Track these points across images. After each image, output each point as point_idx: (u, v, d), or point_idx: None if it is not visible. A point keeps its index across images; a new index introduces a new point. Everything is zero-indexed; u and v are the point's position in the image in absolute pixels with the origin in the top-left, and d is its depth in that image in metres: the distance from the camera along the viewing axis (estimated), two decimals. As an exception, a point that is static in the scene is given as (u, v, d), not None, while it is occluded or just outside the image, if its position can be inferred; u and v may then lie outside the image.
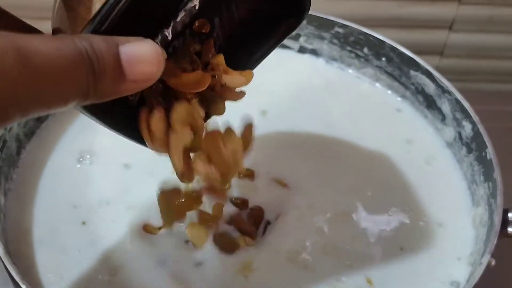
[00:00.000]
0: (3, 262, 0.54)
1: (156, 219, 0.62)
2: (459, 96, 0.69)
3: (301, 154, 0.70)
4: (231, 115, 0.72)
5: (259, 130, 0.72)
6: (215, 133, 0.48)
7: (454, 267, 0.61)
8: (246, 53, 0.52)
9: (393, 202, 0.66)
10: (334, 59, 0.81)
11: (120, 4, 0.39)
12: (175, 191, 0.56)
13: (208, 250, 0.60)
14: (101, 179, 0.66)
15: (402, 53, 0.75)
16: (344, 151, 0.71)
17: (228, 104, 0.74)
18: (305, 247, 0.61)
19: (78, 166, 0.68)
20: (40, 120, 0.71)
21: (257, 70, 0.79)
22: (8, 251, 0.57)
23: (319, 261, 0.60)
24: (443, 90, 0.71)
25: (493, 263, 0.56)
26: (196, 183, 0.56)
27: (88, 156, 0.68)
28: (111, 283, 0.58)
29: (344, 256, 0.61)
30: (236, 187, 0.65)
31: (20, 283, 0.51)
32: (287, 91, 0.78)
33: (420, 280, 0.60)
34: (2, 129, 0.63)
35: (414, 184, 0.68)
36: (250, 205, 0.63)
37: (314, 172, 0.68)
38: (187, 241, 0.60)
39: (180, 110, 0.44)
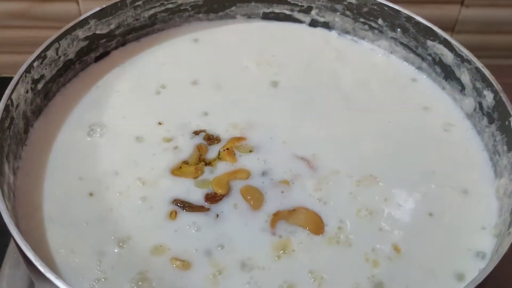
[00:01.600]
0: (14, 241, 0.52)
1: (164, 190, 0.62)
2: (479, 64, 0.67)
3: (315, 123, 0.69)
4: (243, 87, 0.72)
5: (270, 101, 0.71)
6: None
7: (479, 237, 0.59)
8: None
9: (416, 166, 0.65)
10: (347, 32, 0.79)
11: None
12: None
13: (226, 227, 0.59)
14: (111, 151, 0.65)
15: (418, 23, 0.72)
16: (359, 119, 0.70)
17: (240, 75, 0.74)
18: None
19: (88, 139, 0.66)
20: (47, 98, 0.69)
21: (267, 43, 0.78)
22: (19, 229, 0.55)
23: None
24: (463, 59, 0.69)
25: (521, 233, 0.55)
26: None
27: (99, 129, 0.67)
28: (121, 255, 0.57)
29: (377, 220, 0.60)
30: (258, 160, 0.64)
31: (33, 260, 0.49)
32: (298, 63, 0.76)
33: (446, 248, 0.59)
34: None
35: (433, 150, 0.67)
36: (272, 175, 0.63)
37: (331, 140, 0.67)
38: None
39: None
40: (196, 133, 0.67)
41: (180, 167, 0.64)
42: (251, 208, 0.60)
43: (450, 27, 1.02)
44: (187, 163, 0.64)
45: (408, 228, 0.60)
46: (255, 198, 0.61)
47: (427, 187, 0.63)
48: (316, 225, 0.59)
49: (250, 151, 0.65)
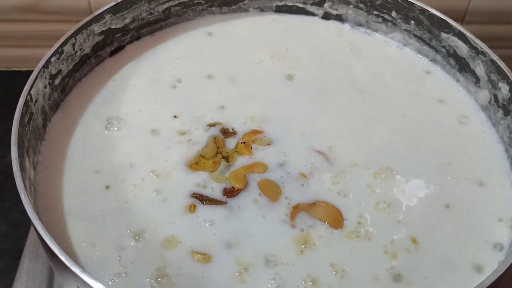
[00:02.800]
0: (38, 235, 0.52)
1: (177, 183, 0.62)
2: (495, 57, 0.67)
3: (331, 116, 0.69)
4: (258, 81, 0.73)
5: (286, 94, 0.71)
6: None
7: (496, 229, 0.60)
8: None
9: (431, 159, 0.65)
10: (360, 24, 0.79)
11: None
12: None
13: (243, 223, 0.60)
14: (127, 144, 0.66)
15: (432, 15, 0.72)
16: (373, 111, 0.70)
17: (255, 68, 0.74)
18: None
19: (106, 132, 0.67)
20: (64, 93, 0.69)
21: (280, 36, 0.79)
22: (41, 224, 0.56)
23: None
24: (477, 52, 0.69)
25: (539, 226, 0.55)
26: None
27: (116, 123, 0.67)
28: (139, 249, 0.57)
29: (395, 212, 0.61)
30: (276, 153, 0.65)
31: (58, 254, 0.50)
32: (312, 56, 0.76)
33: (464, 239, 0.59)
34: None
35: (449, 142, 0.67)
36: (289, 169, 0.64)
37: (347, 133, 0.68)
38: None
39: None
40: (211, 125, 0.67)
41: (197, 162, 0.64)
42: (270, 202, 0.61)
43: (459, 18, 1.02)
44: (204, 157, 0.64)
45: (426, 220, 0.60)
46: (272, 192, 0.61)
47: (443, 179, 0.64)
48: (336, 219, 0.59)
49: (268, 144, 0.65)
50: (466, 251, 0.58)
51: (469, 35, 0.70)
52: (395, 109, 0.71)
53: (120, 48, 0.75)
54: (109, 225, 0.59)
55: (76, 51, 0.69)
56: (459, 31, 0.71)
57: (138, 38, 0.77)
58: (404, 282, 0.56)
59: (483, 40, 1.03)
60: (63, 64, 0.67)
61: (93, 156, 0.64)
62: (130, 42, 0.76)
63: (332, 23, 0.80)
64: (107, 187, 0.62)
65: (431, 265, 0.57)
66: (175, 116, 0.68)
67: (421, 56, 0.77)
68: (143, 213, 0.60)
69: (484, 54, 0.68)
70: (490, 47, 1.04)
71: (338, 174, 0.63)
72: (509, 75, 0.65)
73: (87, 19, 0.69)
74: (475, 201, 0.62)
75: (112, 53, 0.75)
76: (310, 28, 0.80)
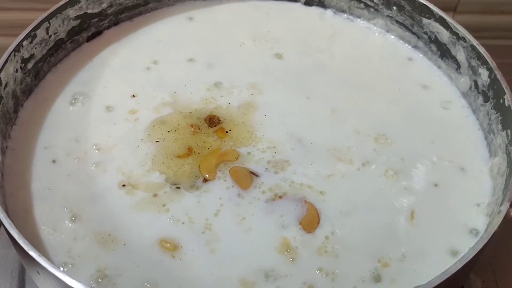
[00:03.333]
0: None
1: (118, 159, 0.62)
2: (475, 42, 0.65)
3: (311, 101, 0.68)
4: (248, 62, 0.72)
5: (267, 78, 0.70)
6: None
7: (472, 213, 0.59)
8: None
9: (418, 140, 0.65)
10: (343, 11, 0.78)
11: None
12: None
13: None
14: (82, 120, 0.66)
15: (414, 0, 0.71)
16: (355, 98, 0.69)
17: (244, 50, 0.73)
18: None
19: (71, 108, 0.66)
20: (38, 78, 0.68)
21: (262, 20, 0.77)
22: (6, 207, 0.55)
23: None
24: (458, 37, 0.68)
25: (512, 213, 0.54)
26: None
27: (81, 98, 0.67)
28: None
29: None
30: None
31: (16, 238, 0.49)
32: (294, 39, 0.75)
33: (447, 219, 0.59)
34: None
35: (433, 126, 0.66)
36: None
37: (330, 117, 0.67)
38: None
39: None
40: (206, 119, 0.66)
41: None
42: (241, 188, 0.60)
43: (452, 8, 1.00)
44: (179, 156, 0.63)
45: (419, 196, 0.60)
46: (243, 179, 0.60)
47: (432, 159, 0.63)
48: (310, 222, 0.58)
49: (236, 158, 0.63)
50: (445, 231, 0.58)
51: (449, 20, 0.68)
52: (377, 93, 0.69)
53: (97, 33, 0.74)
54: (53, 200, 0.59)
55: (51, 35, 0.68)
56: (440, 17, 0.69)
57: (116, 23, 0.76)
58: (381, 263, 0.55)
59: (476, 30, 1.02)
60: (36, 48, 0.66)
61: (62, 136, 0.64)
62: (108, 27, 0.75)
63: (314, 9, 0.79)
64: (53, 161, 0.62)
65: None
66: (133, 96, 0.67)
67: (403, 43, 0.75)
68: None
69: (464, 39, 0.67)
70: (483, 37, 1.02)
71: (314, 162, 0.62)
72: (488, 60, 0.63)
73: (62, 3, 0.68)
74: (457, 184, 0.62)
75: (89, 39, 0.74)
76: (292, 13, 0.79)
